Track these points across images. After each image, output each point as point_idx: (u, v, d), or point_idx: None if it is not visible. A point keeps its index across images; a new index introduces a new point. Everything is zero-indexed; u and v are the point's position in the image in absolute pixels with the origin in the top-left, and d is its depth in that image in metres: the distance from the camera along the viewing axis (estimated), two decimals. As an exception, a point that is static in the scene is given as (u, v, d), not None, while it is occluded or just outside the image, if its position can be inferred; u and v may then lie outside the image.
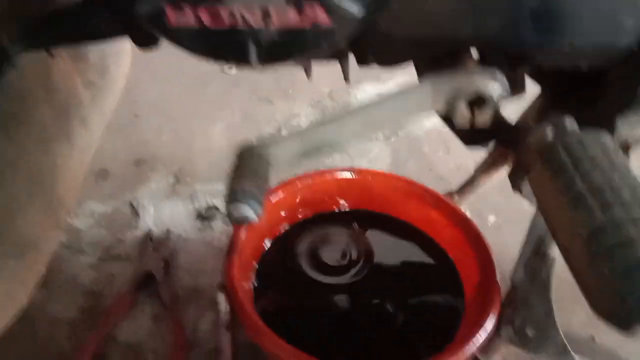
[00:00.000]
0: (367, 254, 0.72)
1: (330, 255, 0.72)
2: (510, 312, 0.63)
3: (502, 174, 0.74)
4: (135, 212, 0.82)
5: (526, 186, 0.47)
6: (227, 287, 0.61)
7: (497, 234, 0.69)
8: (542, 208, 0.34)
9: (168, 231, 0.79)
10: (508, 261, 0.62)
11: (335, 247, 0.73)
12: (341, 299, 0.68)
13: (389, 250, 0.74)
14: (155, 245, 0.76)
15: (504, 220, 0.84)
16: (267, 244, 0.71)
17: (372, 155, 0.95)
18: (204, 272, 0.74)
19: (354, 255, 0.72)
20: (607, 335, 0.71)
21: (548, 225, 0.33)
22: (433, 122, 1.04)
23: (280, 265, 0.71)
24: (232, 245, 0.64)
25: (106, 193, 0.85)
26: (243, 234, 0.66)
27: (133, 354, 0.65)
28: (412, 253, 0.73)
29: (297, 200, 0.74)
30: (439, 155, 0.96)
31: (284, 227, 0.74)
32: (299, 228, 0.75)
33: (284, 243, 0.73)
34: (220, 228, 0.80)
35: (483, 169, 0.74)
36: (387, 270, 0.71)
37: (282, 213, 0.73)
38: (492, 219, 0.84)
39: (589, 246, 0.28)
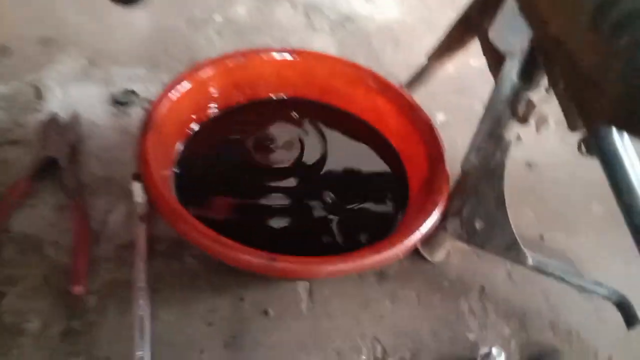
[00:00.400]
0: (306, 145, 0.65)
1: (265, 145, 0.64)
2: (459, 203, 0.58)
3: (454, 63, 0.67)
4: (39, 94, 0.70)
5: (493, 29, 0.40)
6: (141, 167, 0.52)
7: (445, 133, 0.63)
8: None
9: (76, 115, 0.68)
10: (456, 160, 0.57)
11: (271, 136, 0.65)
12: (275, 189, 0.61)
13: (330, 141, 0.66)
14: (61, 129, 0.65)
15: (454, 119, 0.78)
16: (194, 127, 0.62)
17: (315, 47, 0.86)
18: (118, 161, 0.64)
19: (292, 146, 0.64)
20: (555, 234, 0.68)
21: (538, 26, 0.26)
22: (384, 17, 0.95)
23: (208, 152, 0.62)
24: (148, 120, 0.55)
25: (5, 72, 0.73)
26: (163, 107, 0.56)
27: (30, 246, 0.56)
28: (355, 146, 0.67)
29: (229, 81, 0.65)
30: (388, 50, 0.88)
31: (214, 111, 0.65)
32: (230, 114, 0.66)
33: (214, 128, 0.64)
34: (138, 115, 0.70)
35: (437, 56, 0.67)
36: (327, 162, 0.64)
37: (212, 94, 0.64)
38: (441, 117, 0.78)
39: (596, 21, 0.22)
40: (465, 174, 0.56)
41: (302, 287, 0.58)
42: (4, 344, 0.49)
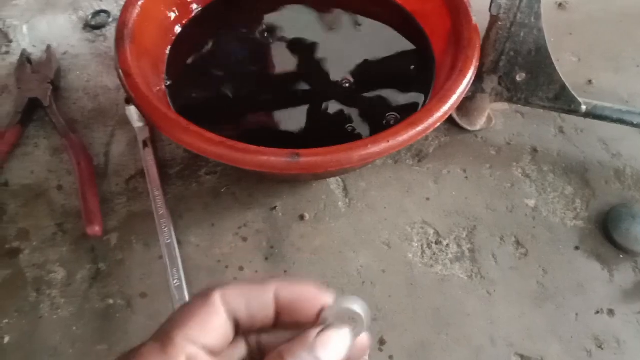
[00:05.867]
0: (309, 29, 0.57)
1: (265, 41, 0.56)
2: (493, 56, 0.50)
3: None
4: (4, 37, 0.63)
5: None
6: (126, 84, 0.45)
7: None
8: None
9: (49, 48, 0.60)
10: (480, 11, 0.49)
11: (269, 30, 0.57)
12: (284, 91, 0.53)
13: (333, 17, 0.58)
14: (37, 67, 0.59)
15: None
16: (177, 29, 0.54)
17: None
18: (106, 88, 0.58)
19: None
20: (603, 75, 0.61)
21: None
22: None
23: (200, 54, 0.54)
24: (121, 29, 0.47)
25: (-39, 20, 0.65)
26: (134, 12, 0.48)
27: (33, 196, 0.51)
28: (364, 20, 0.58)
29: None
30: None
31: (196, 7, 0.56)
32: (217, 6, 0.57)
33: (199, 28, 0.56)
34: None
35: None
36: (333, 42, 0.56)
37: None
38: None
39: None
40: (495, 19, 0.48)
41: (335, 185, 0.53)
42: (33, 299, 0.45)
